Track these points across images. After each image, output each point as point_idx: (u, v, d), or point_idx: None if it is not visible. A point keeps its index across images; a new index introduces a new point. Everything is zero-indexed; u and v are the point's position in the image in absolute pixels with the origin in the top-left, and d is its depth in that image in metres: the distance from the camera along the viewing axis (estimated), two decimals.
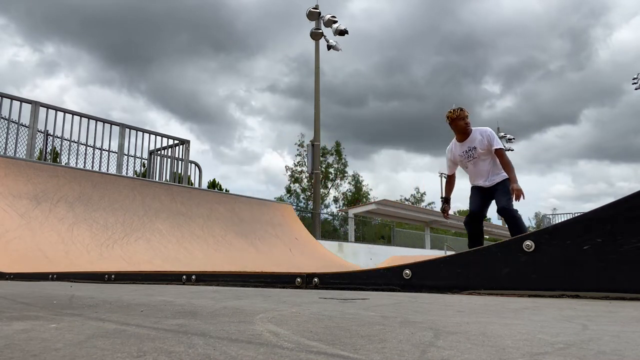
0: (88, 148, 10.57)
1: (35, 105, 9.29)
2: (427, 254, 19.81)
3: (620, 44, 73.27)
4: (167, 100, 72.16)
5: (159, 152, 11.95)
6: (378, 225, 28.31)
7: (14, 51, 65.87)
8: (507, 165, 4.61)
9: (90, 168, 10.26)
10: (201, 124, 76.38)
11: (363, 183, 46.11)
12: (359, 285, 2.72)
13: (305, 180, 42.61)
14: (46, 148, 10.36)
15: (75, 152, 10.46)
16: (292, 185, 43.86)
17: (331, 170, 44.54)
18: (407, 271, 2.54)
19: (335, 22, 18.98)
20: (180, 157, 12.16)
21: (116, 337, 1.05)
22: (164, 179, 11.61)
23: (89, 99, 70.59)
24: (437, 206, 48.91)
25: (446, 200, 5.23)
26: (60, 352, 0.88)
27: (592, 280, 2.01)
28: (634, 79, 30.94)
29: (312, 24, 19.32)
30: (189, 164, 12.39)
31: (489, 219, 50.96)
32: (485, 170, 4.74)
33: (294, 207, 17.71)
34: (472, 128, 4.75)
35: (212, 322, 1.31)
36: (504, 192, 4.61)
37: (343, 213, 28.75)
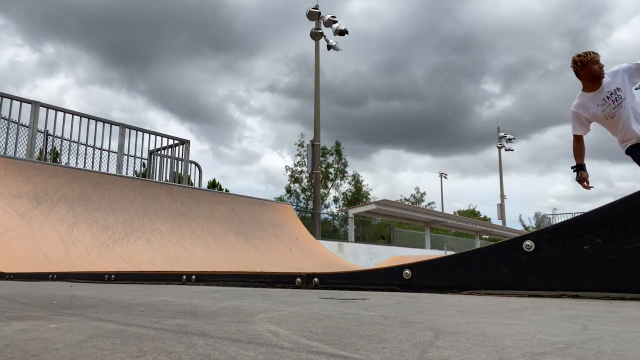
0: (88, 148, 10.57)
1: (35, 105, 9.29)
2: (427, 254, 19.81)
3: (620, 43, 73.21)
4: (166, 100, 72.16)
5: (159, 152, 11.96)
6: (378, 225, 28.31)
7: (13, 51, 65.82)
8: None
9: (90, 168, 10.27)
10: (201, 124, 76.39)
11: (363, 183, 46.09)
12: (359, 285, 2.72)
13: (305, 180, 42.61)
14: (46, 148, 10.36)
15: (75, 152, 10.47)
16: (292, 185, 43.86)
17: (331, 170, 44.54)
18: (407, 271, 2.54)
19: (335, 22, 18.97)
20: (180, 157, 12.16)
21: (116, 337, 1.05)
22: (164, 179, 11.61)
23: (88, 99, 70.61)
24: (437, 206, 48.96)
25: (581, 167, 4.33)
26: (60, 352, 0.88)
27: (592, 280, 2.01)
28: None
29: (312, 24, 19.32)
30: (189, 164, 12.40)
31: (489, 219, 51.04)
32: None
33: (294, 207, 17.72)
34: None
35: (212, 322, 1.31)
36: None
37: (343, 213, 28.75)
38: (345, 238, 22.29)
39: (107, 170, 10.62)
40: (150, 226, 8.30)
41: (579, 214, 2.28)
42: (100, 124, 10.75)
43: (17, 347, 0.94)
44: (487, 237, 32.95)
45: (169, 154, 12.06)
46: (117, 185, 8.64)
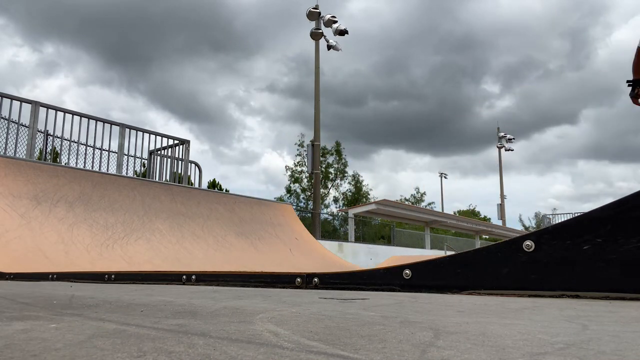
0: (88, 148, 10.57)
1: (35, 105, 9.29)
2: (427, 254, 19.81)
3: (619, 43, 73.15)
4: (166, 100, 72.19)
5: (159, 152, 11.96)
6: (378, 225, 28.32)
7: (13, 51, 65.86)
8: None
9: (90, 168, 10.27)
10: (201, 124, 76.42)
11: (363, 183, 46.09)
12: (359, 285, 2.72)
13: (305, 180, 42.61)
14: (46, 148, 10.36)
15: (75, 152, 10.47)
16: (292, 185, 43.86)
17: (331, 170, 44.54)
18: (407, 271, 2.54)
19: (335, 22, 18.97)
20: (180, 157, 12.16)
21: (116, 337, 1.05)
22: (164, 179, 11.62)
23: (88, 99, 70.63)
24: (437, 206, 48.95)
25: (638, 82, 4.12)
26: (60, 352, 0.88)
27: (592, 280, 2.01)
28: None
29: (312, 24, 19.31)
30: (189, 164, 12.40)
31: (489, 219, 51.01)
32: None
33: (294, 207, 17.72)
34: None
35: (212, 322, 1.31)
36: None
37: (343, 213, 28.75)
38: (345, 238, 22.30)
39: (107, 170, 10.63)
40: (150, 226, 8.30)
41: (579, 214, 2.28)
42: (100, 124, 10.75)
43: (17, 347, 0.94)
44: (487, 237, 32.95)
45: (169, 154, 12.06)
46: (117, 185, 8.64)
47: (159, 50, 72.16)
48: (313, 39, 19.41)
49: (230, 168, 73.26)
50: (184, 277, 3.68)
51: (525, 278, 2.17)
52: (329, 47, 19.17)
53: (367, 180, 78.61)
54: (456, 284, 2.38)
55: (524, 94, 73.92)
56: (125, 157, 11.12)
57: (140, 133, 11.59)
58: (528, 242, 2.15)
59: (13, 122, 9.17)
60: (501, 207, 36.13)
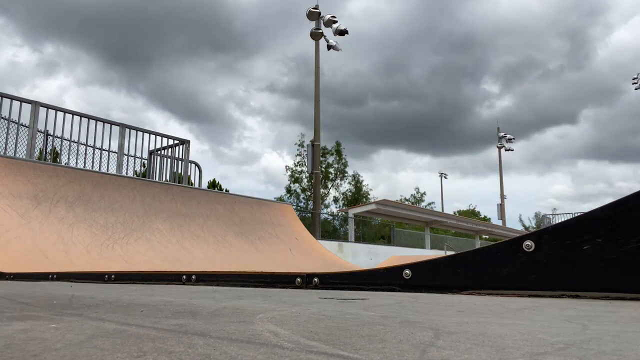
0: (88, 148, 10.57)
1: (35, 105, 9.29)
2: (427, 254, 19.81)
3: (619, 43, 73.20)
4: (166, 100, 72.19)
5: (159, 152, 11.96)
6: (378, 225, 28.32)
7: (13, 51, 65.84)
8: None
9: (90, 168, 10.27)
10: (200, 124, 76.42)
11: (363, 183, 46.07)
12: (359, 285, 2.72)
13: (305, 180, 42.60)
14: (46, 148, 10.36)
15: (75, 152, 10.47)
16: (292, 185, 43.85)
17: (331, 170, 44.53)
18: (407, 271, 2.54)
19: (335, 22, 18.97)
20: (180, 157, 12.16)
21: (116, 337, 1.05)
22: (164, 179, 11.61)
23: (88, 99, 70.64)
24: (437, 206, 48.96)
25: None
26: (60, 352, 0.88)
27: (592, 280, 2.01)
28: (634, 78, 30.91)
29: (312, 24, 19.32)
30: (189, 164, 12.40)
31: (489, 219, 50.99)
32: None
33: (294, 207, 17.72)
34: None
35: (212, 322, 1.31)
36: None
37: (343, 213, 28.74)
38: (345, 238, 22.31)
39: (107, 170, 10.62)
40: (150, 226, 8.30)
41: (579, 214, 2.28)
42: (100, 124, 10.75)
43: (17, 347, 0.94)
44: (487, 237, 32.95)
45: (169, 154, 12.06)
46: (117, 185, 8.64)
47: (159, 50, 72.20)
48: (313, 39, 19.42)
49: (230, 168, 73.28)
50: (184, 277, 3.67)
51: (525, 278, 2.17)
52: (329, 47, 19.18)
53: (367, 180, 78.62)
54: (456, 284, 2.38)
55: (523, 94, 73.97)
56: (125, 157, 11.12)
57: (140, 133, 11.59)
58: (528, 242, 2.15)
59: (13, 122, 9.18)
60: (501, 207, 36.14)
